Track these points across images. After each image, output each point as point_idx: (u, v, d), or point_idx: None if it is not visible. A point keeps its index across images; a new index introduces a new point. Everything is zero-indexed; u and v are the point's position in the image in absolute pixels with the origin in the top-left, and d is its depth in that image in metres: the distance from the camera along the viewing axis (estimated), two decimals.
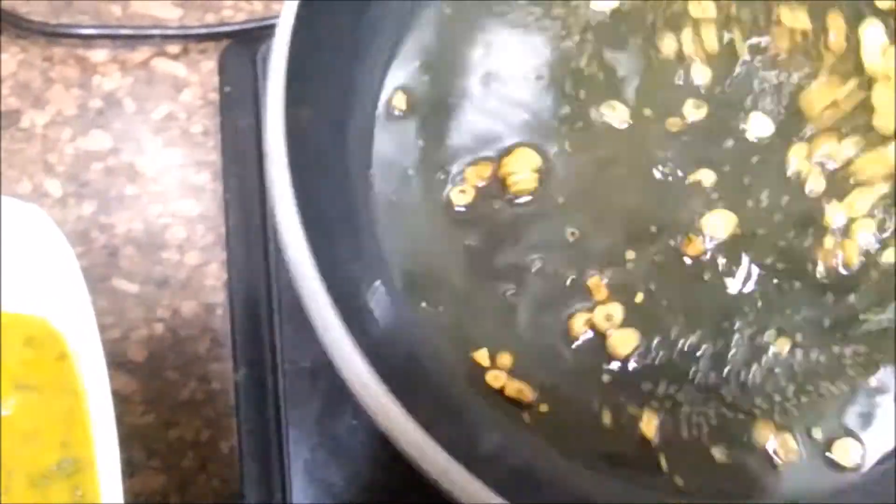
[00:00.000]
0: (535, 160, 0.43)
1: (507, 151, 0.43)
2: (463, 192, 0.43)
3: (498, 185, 0.43)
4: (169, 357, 0.48)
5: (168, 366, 0.48)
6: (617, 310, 0.41)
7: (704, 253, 0.42)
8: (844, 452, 0.40)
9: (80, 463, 0.38)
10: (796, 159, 0.43)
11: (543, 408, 0.40)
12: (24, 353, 0.39)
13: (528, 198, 0.43)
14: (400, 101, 0.44)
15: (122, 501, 0.34)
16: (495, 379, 0.40)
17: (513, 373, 0.40)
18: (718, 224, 0.42)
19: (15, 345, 0.40)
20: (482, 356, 0.40)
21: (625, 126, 0.44)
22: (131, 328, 0.48)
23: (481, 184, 0.43)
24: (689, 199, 0.43)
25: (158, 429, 0.47)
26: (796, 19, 0.45)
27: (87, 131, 0.51)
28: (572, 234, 0.42)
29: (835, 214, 0.42)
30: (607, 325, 0.41)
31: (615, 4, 0.46)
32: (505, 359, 0.41)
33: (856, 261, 0.42)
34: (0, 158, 0.50)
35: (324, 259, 0.35)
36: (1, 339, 0.39)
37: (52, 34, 0.52)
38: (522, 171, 0.43)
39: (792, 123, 0.44)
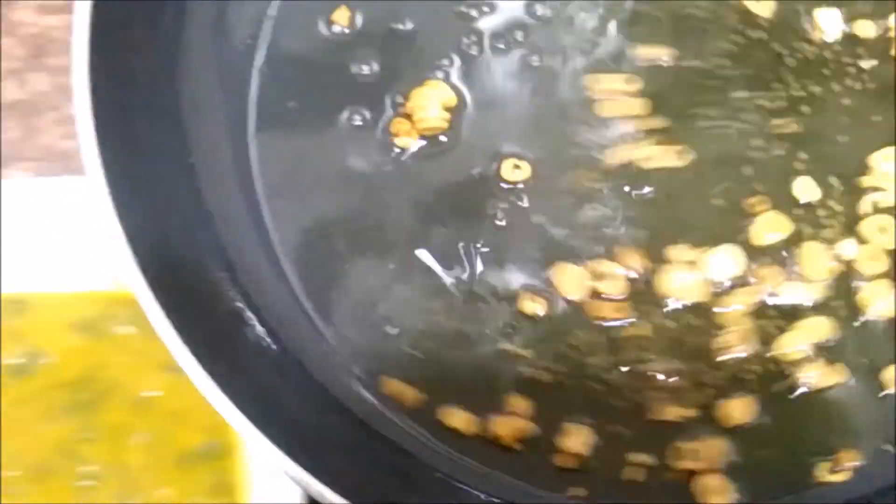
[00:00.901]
0: (447, 96, 0.39)
1: (416, 84, 0.39)
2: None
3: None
4: None
5: None
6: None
7: None
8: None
9: (226, 448, 0.39)
10: None
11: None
12: None
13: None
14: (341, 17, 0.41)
15: None
16: (504, 426, 0.39)
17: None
18: None
19: None
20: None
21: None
22: None
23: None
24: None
25: None
26: None
27: None
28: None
29: None
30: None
31: None
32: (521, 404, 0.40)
33: None
34: None
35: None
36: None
37: None
38: (431, 108, 0.39)
39: None
